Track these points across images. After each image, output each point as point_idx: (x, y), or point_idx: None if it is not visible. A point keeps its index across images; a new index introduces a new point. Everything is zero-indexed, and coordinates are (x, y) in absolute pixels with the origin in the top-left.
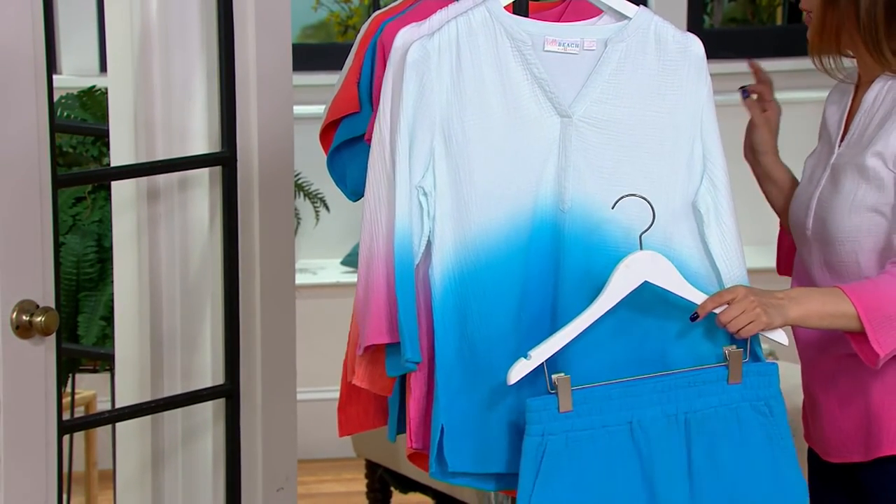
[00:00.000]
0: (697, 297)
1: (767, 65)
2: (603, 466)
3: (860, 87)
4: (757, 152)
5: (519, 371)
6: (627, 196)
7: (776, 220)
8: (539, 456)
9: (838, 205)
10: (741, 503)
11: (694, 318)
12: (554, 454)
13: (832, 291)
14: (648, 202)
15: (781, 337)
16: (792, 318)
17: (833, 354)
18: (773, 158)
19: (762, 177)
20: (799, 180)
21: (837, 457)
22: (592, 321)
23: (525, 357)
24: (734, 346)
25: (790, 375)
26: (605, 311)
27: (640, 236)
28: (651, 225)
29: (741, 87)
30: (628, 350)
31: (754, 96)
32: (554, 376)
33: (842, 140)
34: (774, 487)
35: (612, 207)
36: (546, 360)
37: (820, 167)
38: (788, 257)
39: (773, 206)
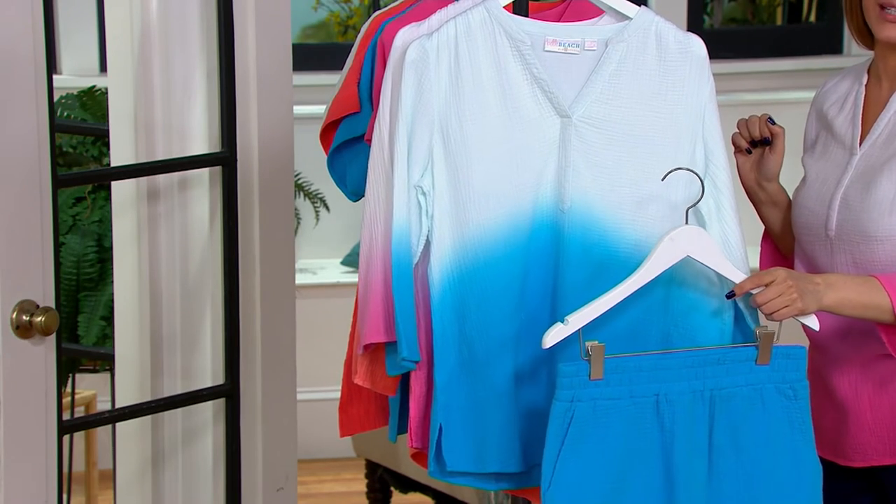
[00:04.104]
0: (736, 276)
1: (767, 65)
2: (626, 437)
3: (874, 86)
4: (769, 180)
5: (555, 335)
6: (678, 169)
7: None
8: (567, 421)
9: (875, 204)
10: (758, 483)
11: (730, 296)
12: (581, 421)
13: (868, 281)
14: (697, 175)
15: (813, 322)
16: (826, 305)
17: (862, 358)
18: (777, 184)
19: (766, 202)
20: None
21: (862, 461)
22: (632, 292)
23: (562, 321)
24: (766, 327)
25: None
26: (646, 282)
27: (687, 211)
28: (699, 200)
29: (756, 144)
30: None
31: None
32: (588, 344)
33: (861, 139)
34: (791, 470)
35: (663, 179)
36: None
37: (836, 168)
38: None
39: (772, 228)
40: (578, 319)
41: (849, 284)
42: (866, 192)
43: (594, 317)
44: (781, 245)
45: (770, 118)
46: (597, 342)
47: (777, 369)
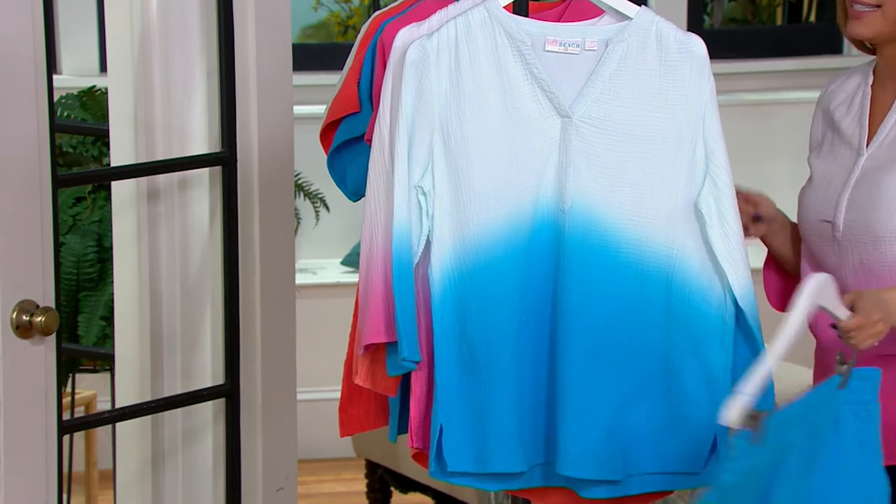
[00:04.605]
0: (845, 315)
1: (767, 65)
2: (757, 480)
3: (880, 86)
4: (772, 219)
5: (736, 409)
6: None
7: None
8: (725, 482)
9: (884, 204)
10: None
11: (833, 327)
12: (733, 480)
13: None
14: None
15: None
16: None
17: (871, 357)
18: (778, 213)
19: (774, 233)
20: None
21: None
22: (787, 348)
23: (737, 394)
24: (844, 355)
25: (790, 374)
26: (795, 337)
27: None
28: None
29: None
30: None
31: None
32: (754, 413)
33: (868, 140)
34: (860, 491)
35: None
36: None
37: (843, 168)
38: (783, 290)
39: (779, 250)
40: (752, 386)
41: None
42: (874, 193)
43: (764, 381)
44: (791, 265)
45: (744, 195)
46: (762, 410)
47: (852, 391)
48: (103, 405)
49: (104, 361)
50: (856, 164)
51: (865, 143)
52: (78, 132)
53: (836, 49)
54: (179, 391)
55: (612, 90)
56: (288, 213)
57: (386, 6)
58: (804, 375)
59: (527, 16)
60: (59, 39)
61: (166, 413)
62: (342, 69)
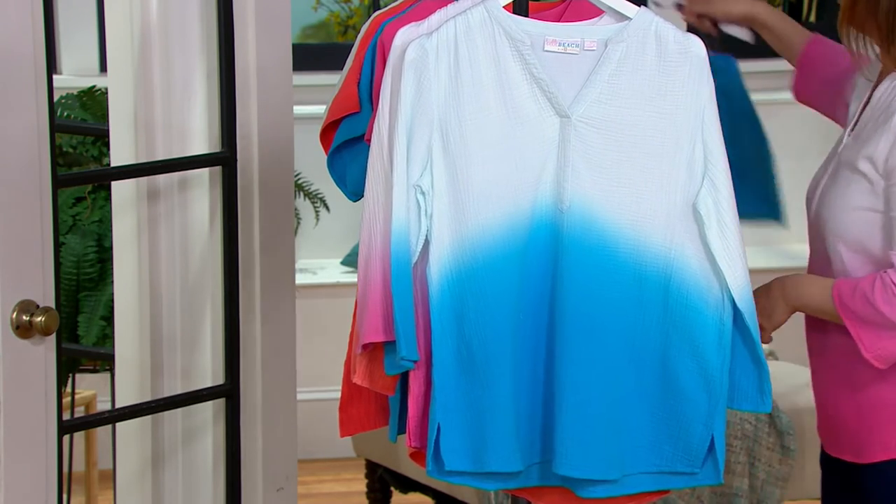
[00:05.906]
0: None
1: (766, 65)
2: None
3: (880, 82)
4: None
5: None
6: None
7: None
8: None
9: (833, 198)
10: None
11: None
12: None
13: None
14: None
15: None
16: None
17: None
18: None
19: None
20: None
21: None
22: None
23: None
24: None
25: (790, 374)
26: None
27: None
28: None
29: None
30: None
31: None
32: None
33: (851, 132)
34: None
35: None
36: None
37: (833, 156)
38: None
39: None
40: None
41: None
42: (833, 185)
43: None
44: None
45: None
46: None
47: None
48: (103, 405)
49: (104, 361)
50: (836, 152)
51: (850, 129)
52: (78, 132)
53: None
54: (179, 391)
55: (612, 90)
56: (288, 213)
57: (386, 6)
58: (803, 375)
59: (527, 16)
60: (59, 39)
61: (166, 413)
62: (342, 69)
